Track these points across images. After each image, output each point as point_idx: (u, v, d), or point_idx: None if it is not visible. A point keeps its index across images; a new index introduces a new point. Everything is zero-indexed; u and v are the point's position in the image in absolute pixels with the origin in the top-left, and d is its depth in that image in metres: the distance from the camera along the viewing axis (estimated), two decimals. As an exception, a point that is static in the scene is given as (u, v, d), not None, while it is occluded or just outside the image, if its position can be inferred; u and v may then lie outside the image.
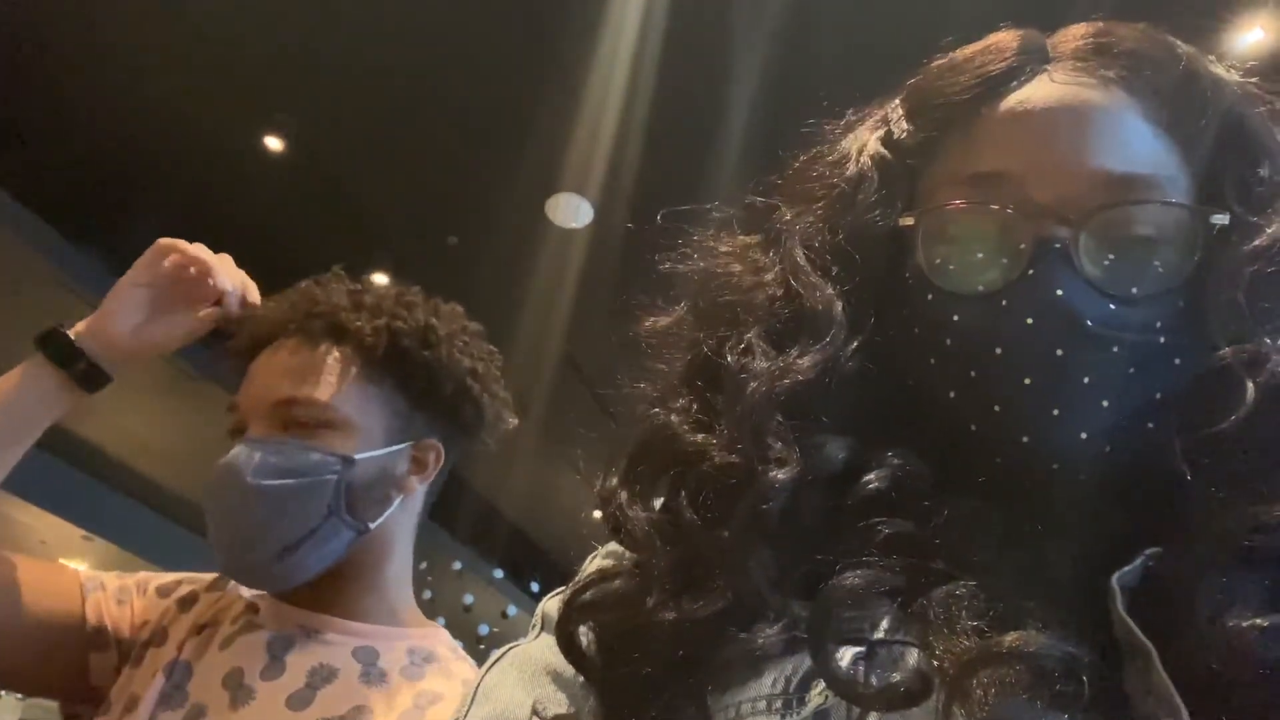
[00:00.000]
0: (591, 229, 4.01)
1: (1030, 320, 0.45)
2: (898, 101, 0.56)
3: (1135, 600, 0.40)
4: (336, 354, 0.96)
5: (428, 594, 6.34)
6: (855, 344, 0.49)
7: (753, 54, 3.00)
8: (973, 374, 0.46)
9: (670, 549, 0.46)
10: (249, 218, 4.42)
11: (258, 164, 4.09)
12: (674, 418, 0.50)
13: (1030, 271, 0.45)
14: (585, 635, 0.48)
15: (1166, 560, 0.41)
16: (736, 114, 3.17)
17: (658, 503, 0.49)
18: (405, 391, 0.98)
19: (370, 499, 0.94)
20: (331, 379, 0.94)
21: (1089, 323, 0.44)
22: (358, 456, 0.93)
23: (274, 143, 3.99)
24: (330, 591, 0.94)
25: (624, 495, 0.50)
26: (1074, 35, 0.52)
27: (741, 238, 0.57)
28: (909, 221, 0.50)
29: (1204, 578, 0.40)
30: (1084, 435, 0.44)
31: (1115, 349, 0.45)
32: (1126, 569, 0.40)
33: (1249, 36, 2.70)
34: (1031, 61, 0.51)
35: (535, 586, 8.27)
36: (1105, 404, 0.44)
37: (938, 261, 0.48)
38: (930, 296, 0.48)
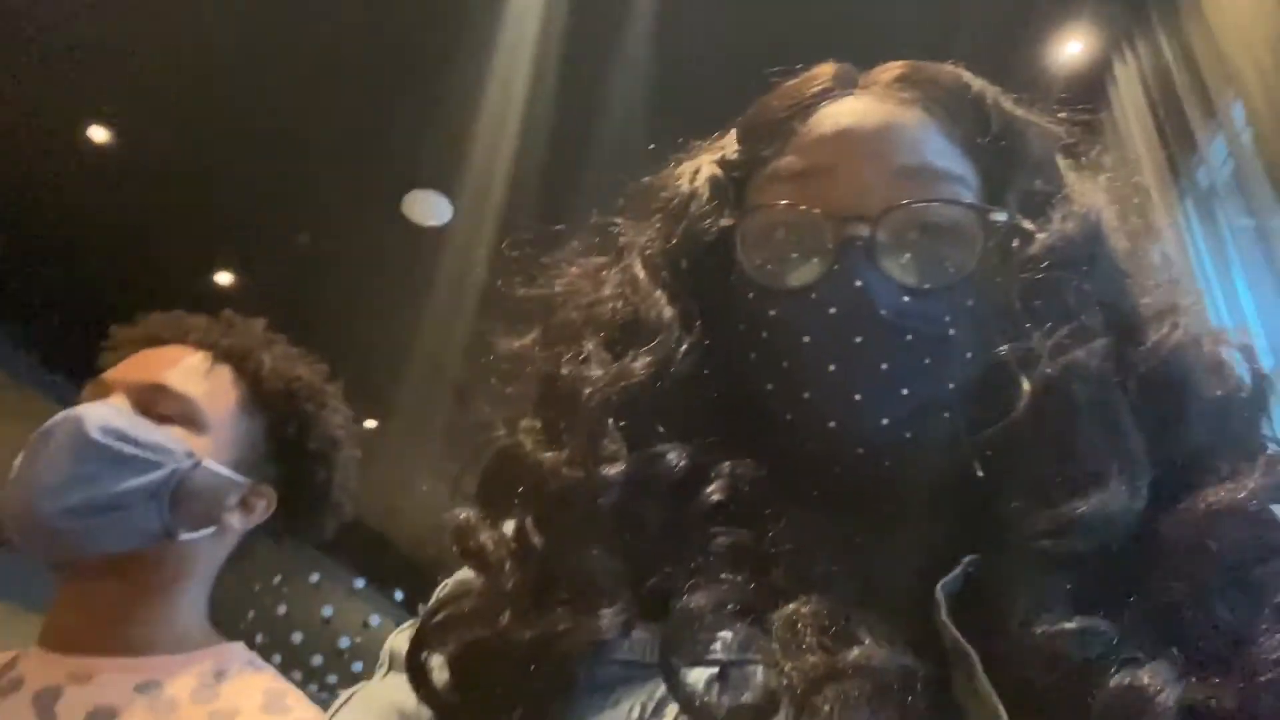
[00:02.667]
0: (451, 227, 3.92)
1: (833, 310, 0.48)
2: (733, 130, 0.61)
3: (960, 606, 0.43)
4: (229, 373, 0.97)
5: (283, 608, 6.06)
6: (686, 346, 0.52)
7: (623, 48, 3.01)
8: (785, 364, 0.50)
9: (521, 570, 0.47)
10: (77, 214, 4.09)
11: (82, 157, 3.79)
12: (521, 438, 0.52)
13: (836, 266, 0.49)
14: (436, 666, 0.47)
15: (984, 566, 0.44)
16: (604, 108, 3.16)
17: (509, 526, 0.50)
18: (271, 435, 0.98)
19: (193, 509, 0.91)
20: (213, 388, 0.95)
21: (883, 312, 0.48)
22: (204, 461, 0.91)
23: (100, 134, 3.71)
24: (108, 627, 0.88)
25: (474, 520, 0.50)
26: (884, 69, 0.59)
27: (593, 259, 0.60)
28: (729, 222, 0.55)
29: (1016, 583, 0.42)
30: (885, 421, 0.48)
31: (909, 338, 0.48)
32: (949, 577, 0.43)
33: (1068, 48, 2.90)
34: (841, 86, 0.57)
35: (399, 595, 8.04)
36: (904, 391, 0.48)
37: (757, 261, 0.52)
38: (751, 295, 0.52)
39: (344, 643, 7.61)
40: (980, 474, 0.47)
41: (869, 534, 0.47)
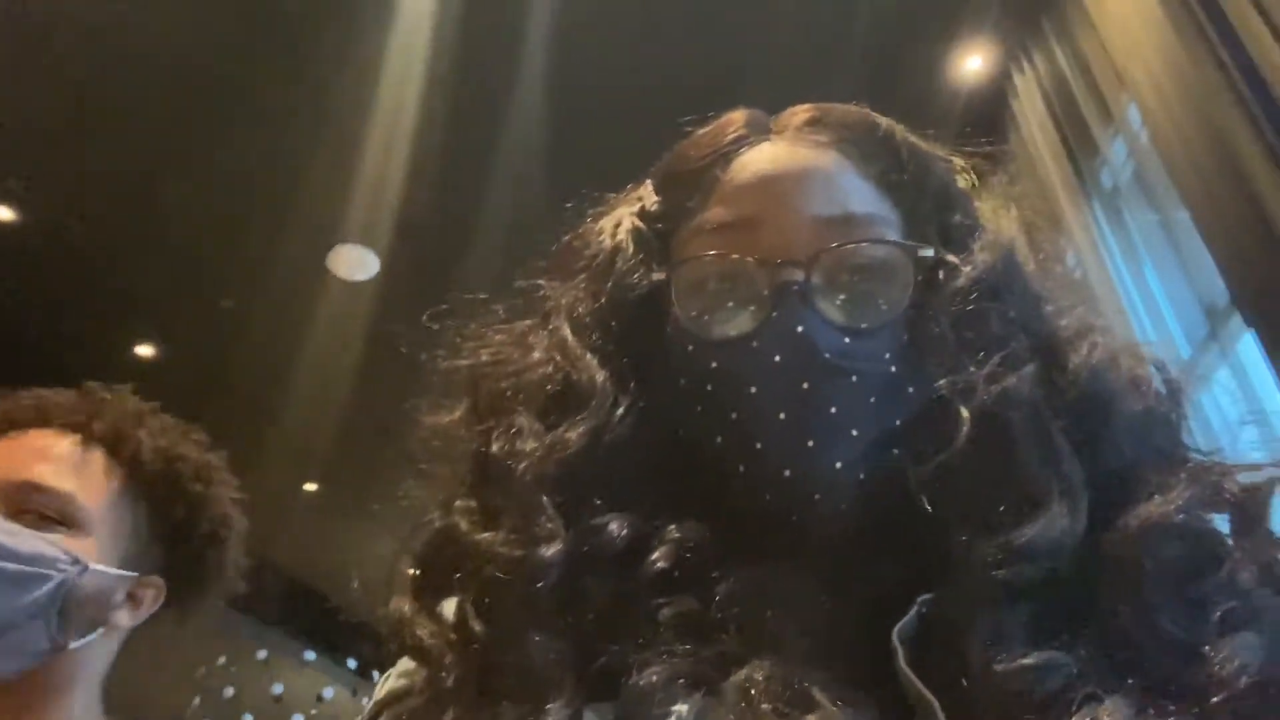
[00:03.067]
0: (378, 280, 3.87)
1: (778, 358, 0.48)
2: (648, 181, 0.61)
3: (918, 649, 0.42)
4: (104, 459, 0.90)
5: (230, 690, 5.82)
6: (622, 410, 0.51)
7: (544, 102, 3.02)
8: (734, 415, 0.49)
9: (462, 662, 0.46)
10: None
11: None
12: (457, 519, 0.50)
13: (775, 313, 0.49)
14: None
15: (938, 605, 0.44)
16: (527, 157, 3.17)
17: (448, 608, 0.48)
18: (156, 521, 0.92)
19: (82, 616, 0.85)
20: (90, 481, 0.88)
21: (827, 355, 0.48)
22: (92, 565, 0.84)
23: (3, 212, 3.58)
24: None
25: (410, 612, 0.48)
26: (793, 114, 0.59)
27: (518, 323, 0.59)
28: (661, 276, 0.54)
29: (972, 619, 0.42)
30: (838, 465, 0.48)
31: (854, 379, 0.48)
32: (903, 622, 0.43)
33: (969, 64, 3.01)
34: (756, 133, 0.58)
35: (353, 663, 7.80)
36: (854, 433, 0.48)
37: (693, 313, 0.52)
38: (690, 347, 0.51)
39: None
40: (928, 508, 0.47)
41: (819, 586, 0.46)
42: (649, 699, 0.41)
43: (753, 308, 0.50)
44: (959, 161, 0.61)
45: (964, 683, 0.40)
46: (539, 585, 0.45)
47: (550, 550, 0.45)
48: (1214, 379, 2.15)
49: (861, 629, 0.44)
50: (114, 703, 0.94)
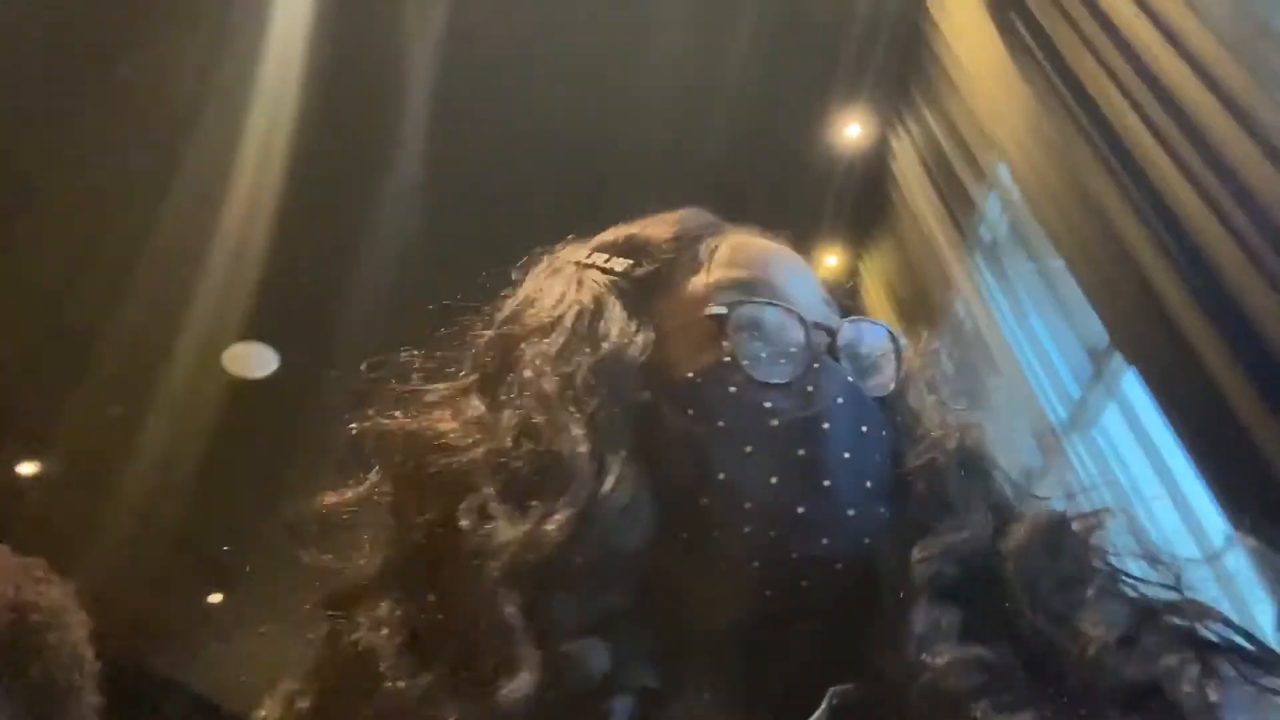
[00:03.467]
0: (278, 376, 3.76)
1: (840, 400, 0.51)
2: (594, 252, 0.60)
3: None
4: None
5: (135, 827, 5.38)
6: (609, 484, 0.45)
7: (449, 179, 3.02)
8: (801, 452, 0.49)
9: None
10: None
11: None
12: (369, 636, 0.43)
13: (816, 365, 0.52)
14: None
15: (849, 694, 0.45)
16: (427, 241, 3.15)
17: None
18: (6, 683, 0.84)
19: None
20: None
21: (872, 402, 0.53)
22: None
23: None
24: None
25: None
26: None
27: (454, 384, 0.54)
28: (721, 310, 0.52)
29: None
30: (850, 512, 0.48)
31: (884, 433, 0.53)
32: (815, 716, 0.44)
33: (848, 131, 3.16)
34: (708, 223, 0.62)
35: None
36: (868, 484, 0.50)
37: (751, 354, 0.51)
38: (733, 389, 0.50)
39: None
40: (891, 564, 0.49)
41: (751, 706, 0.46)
42: None
43: (794, 354, 0.52)
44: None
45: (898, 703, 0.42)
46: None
47: (519, 692, 0.38)
48: (1103, 415, 2.26)
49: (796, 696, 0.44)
50: None
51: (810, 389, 0.51)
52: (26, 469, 4.17)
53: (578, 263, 0.59)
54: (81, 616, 0.94)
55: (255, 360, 3.70)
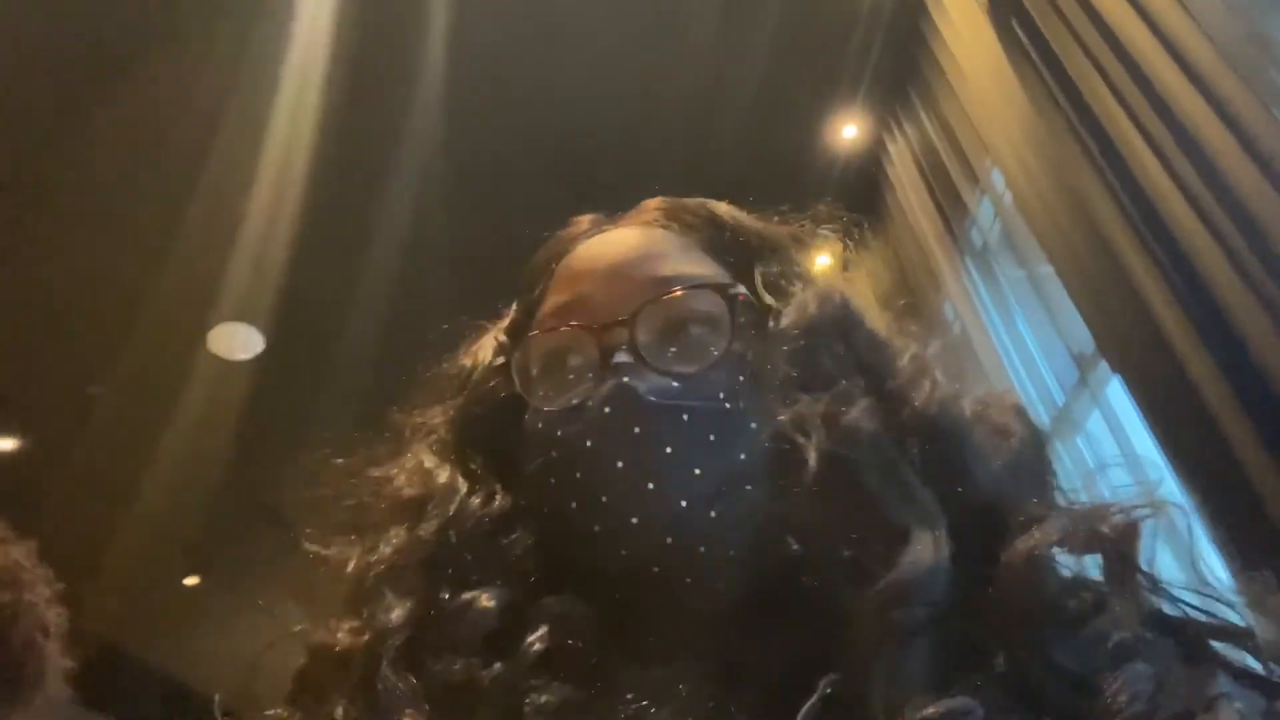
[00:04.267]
0: (263, 358, 3.73)
1: (608, 409, 0.49)
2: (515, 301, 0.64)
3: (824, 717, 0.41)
4: None
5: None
6: (479, 501, 0.53)
7: (445, 171, 3.01)
8: (578, 475, 0.50)
9: None
10: None
11: None
12: (325, 636, 0.51)
13: (605, 372, 0.51)
14: None
15: (840, 684, 0.42)
16: (417, 232, 3.13)
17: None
18: None
19: None
20: None
21: (652, 398, 0.49)
22: None
23: None
24: None
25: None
26: (636, 210, 0.64)
27: (390, 455, 0.61)
28: (501, 361, 0.58)
29: (872, 677, 0.41)
30: (684, 503, 0.48)
31: (685, 417, 0.50)
32: (808, 706, 0.41)
33: (844, 132, 3.16)
34: (594, 227, 0.62)
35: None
36: (696, 471, 0.49)
37: (537, 391, 0.54)
38: (539, 425, 0.53)
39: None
40: (792, 546, 0.47)
41: (711, 677, 0.45)
42: None
43: (590, 374, 0.52)
44: (791, 230, 0.65)
45: None
46: (388, 645, 0.46)
47: (391, 615, 0.47)
48: (1087, 422, 2.27)
49: (765, 708, 0.42)
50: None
51: (589, 403, 0.51)
52: (3, 444, 4.13)
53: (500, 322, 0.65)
54: (44, 575, 0.93)
55: (240, 341, 3.67)
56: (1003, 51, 2.31)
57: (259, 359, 3.73)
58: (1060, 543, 0.45)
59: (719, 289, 0.55)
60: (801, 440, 0.48)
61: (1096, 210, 1.94)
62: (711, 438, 0.49)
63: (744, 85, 2.87)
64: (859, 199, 3.24)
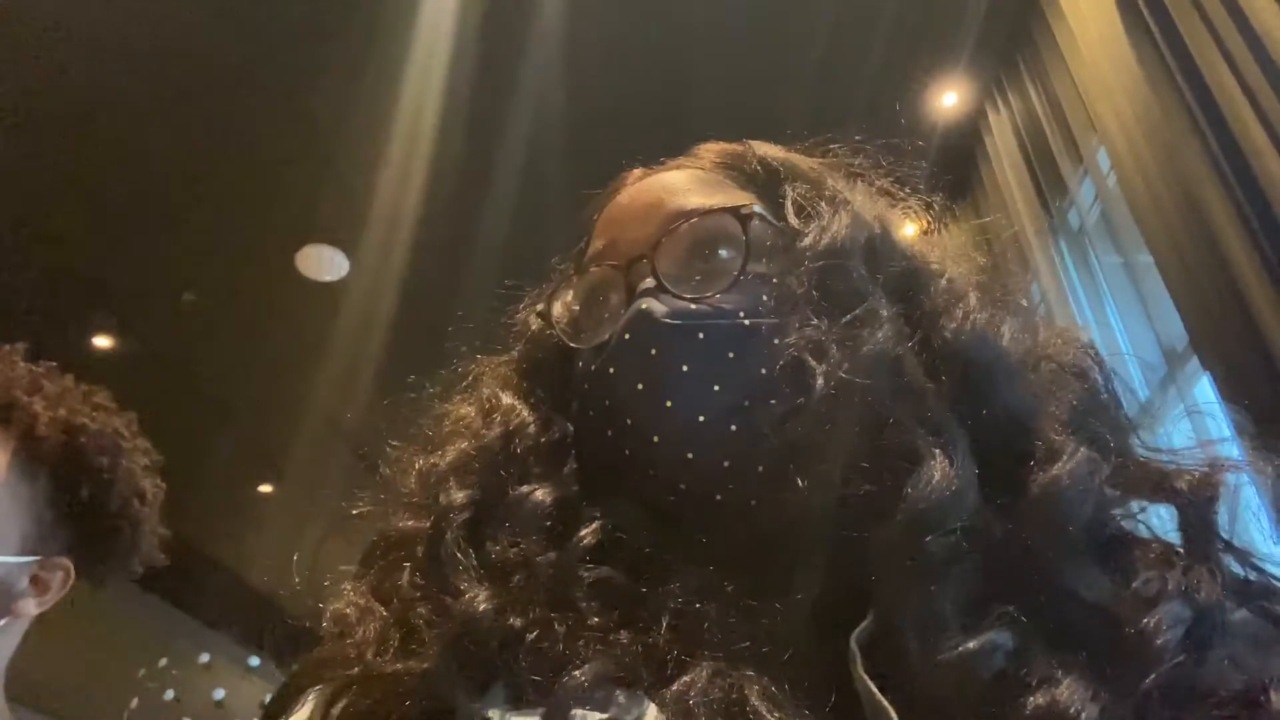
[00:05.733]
0: (348, 282, 3.83)
1: (627, 335, 0.51)
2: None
3: (867, 657, 0.41)
4: None
5: (170, 693, 5.68)
6: (537, 417, 0.56)
7: (525, 105, 3.01)
8: (607, 403, 0.52)
9: (390, 614, 0.47)
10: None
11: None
12: (400, 523, 0.54)
13: (631, 304, 0.53)
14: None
15: (884, 609, 0.42)
16: (503, 165, 3.16)
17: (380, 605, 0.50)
18: (59, 498, 0.86)
19: None
20: None
21: (667, 320, 0.51)
22: None
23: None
24: None
25: (352, 589, 0.51)
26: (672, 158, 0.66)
27: (461, 394, 0.63)
28: (542, 307, 0.61)
29: (904, 610, 0.41)
30: (701, 418, 0.49)
31: (701, 335, 0.51)
32: (862, 627, 0.41)
33: (944, 99, 3.06)
34: (637, 180, 0.63)
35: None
36: (715, 387, 0.49)
37: (576, 334, 0.57)
38: (580, 362, 0.56)
39: (239, 725, 7.19)
40: (796, 464, 0.46)
41: (762, 584, 0.45)
42: (578, 696, 0.40)
43: (616, 304, 0.55)
44: (820, 160, 0.64)
45: (909, 680, 0.39)
46: (451, 519, 0.48)
47: (457, 496, 0.50)
48: (1170, 419, 2.19)
49: (809, 633, 0.43)
50: (42, 694, 0.90)
51: (610, 337, 0.53)
52: (102, 342, 4.34)
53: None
54: (143, 446, 0.95)
55: (326, 263, 3.77)
56: (1121, 23, 2.19)
57: (343, 282, 3.83)
58: (1089, 472, 0.44)
59: (732, 211, 0.55)
60: (811, 363, 0.47)
61: (1205, 200, 1.85)
62: (730, 355, 0.50)
63: (841, 38, 2.79)
64: (953, 170, 3.14)
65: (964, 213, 3.19)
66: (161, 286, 3.95)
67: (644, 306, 0.51)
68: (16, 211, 3.57)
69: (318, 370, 4.08)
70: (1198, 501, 0.46)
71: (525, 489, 0.50)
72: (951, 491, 0.42)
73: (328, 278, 3.83)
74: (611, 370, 0.52)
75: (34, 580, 0.85)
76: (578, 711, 0.40)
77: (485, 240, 3.21)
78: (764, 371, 0.49)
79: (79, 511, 0.87)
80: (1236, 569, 0.45)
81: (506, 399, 0.58)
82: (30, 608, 0.86)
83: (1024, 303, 0.57)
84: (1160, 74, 2.05)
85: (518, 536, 0.48)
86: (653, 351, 0.50)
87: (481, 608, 0.44)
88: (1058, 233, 2.70)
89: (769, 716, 0.38)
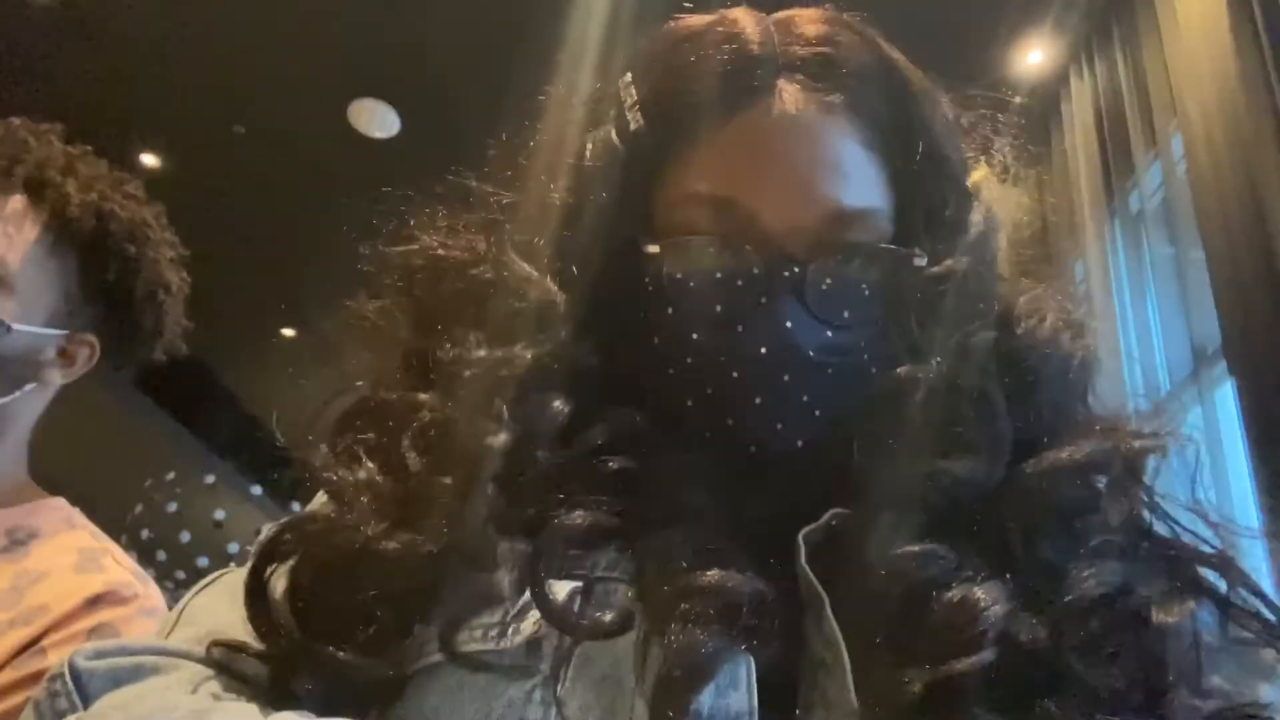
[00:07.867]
0: (399, 140, 3.80)
1: (764, 350, 0.50)
2: (630, 82, 0.57)
3: (819, 556, 0.47)
4: (28, 210, 0.85)
5: (173, 506, 5.91)
6: (582, 342, 0.52)
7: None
8: (709, 391, 0.51)
9: (387, 487, 0.48)
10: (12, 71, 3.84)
11: (22, 13, 3.55)
12: (384, 392, 0.53)
13: (764, 300, 0.50)
14: (279, 583, 0.47)
15: (847, 519, 0.48)
16: (559, 21, 3.08)
17: (369, 465, 0.50)
18: (87, 278, 0.89)
19: (7, 373, 0.85)
20: (13, 233, 0.83)
21: (811, 353, 0.50)
22: (14, 326, 0.82)
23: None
24: None
25: (329, 456, 0.51)
26: (805, 39, 0.55)
27: (464, 217, 0.60)
28: (654, 249, 0.53)
29: (874, 527, 0.47)
30: (800, 442, 0.52)
31: (829, 371, 0.51)
32: (812, 527, 0.47)
33: (1029, 57, 2.95)
34: (766, 75, 0.53)
35: (296, 506, 7.91)
36: (817, 413, 0.51)
37: (679, 281, 0.52)
38: (670, 310, 0.52)
39: (233, 548, 7.45)
40: (859, 444, 0.51)
41: (742, 476, 0.50)
42: (565, 541, 0.45)
43: (741, 285, 0.51)
44: (968, 152, 0.61)
45: (854, 578, 0.45)
46: (483, 473, 0.46)
47: (498, 439, 0.47)
48: (1185, 417, 2.18)
49: (769, 526, 0.48)
50: (51, 488, 0.95)
51: (741, 330, 0.50)
52: (148, 160, 4.37)
53: (609, 97, 0.59)
54: (170, 239, 0.97)
55: (378, 119, 3.74)
56: (1227, 10, 2.09)
57: (393, 140, 3.81)
58: (1085, 459, 0.50)
59: (899, 258, 0.53)
60: (909, 396, 0.51)
61: (1272, 210, 1.80)
62: (840, 388, 0.52)
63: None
64: (1026, 131, 3.04)
65: (1030, 174, 3.10)
66: (214, 114, 3.94)
67: (789, 326, 0.50)
68: (92, 18, 3.55)
69: (354, 224, 4.09)
70: (1130, 462, 0.52)
71: (544, 399, 0.50)
72: (980, 484, 0.49)
73: (379, 134, 3.81)
74: (735, 374, 0.50)
75: (61, 353, 0.89)
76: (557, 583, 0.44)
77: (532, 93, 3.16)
78: (855, 401, 0.52)
79: (105, 292, 0.90)
80: (1156, 522, 0.52)
81: (544, 297, 0.53)
82: (56, 377, 0.89)
83: (1072, 307, 0.59)
84: (1256, 71, 1.96)
85: (534, 444, 0.49)
86: (785, 378, 0.50)
87: (485, 514, 0.45)
88: (1115, 214, 2.64)
89: (737, 573, 0.43)
